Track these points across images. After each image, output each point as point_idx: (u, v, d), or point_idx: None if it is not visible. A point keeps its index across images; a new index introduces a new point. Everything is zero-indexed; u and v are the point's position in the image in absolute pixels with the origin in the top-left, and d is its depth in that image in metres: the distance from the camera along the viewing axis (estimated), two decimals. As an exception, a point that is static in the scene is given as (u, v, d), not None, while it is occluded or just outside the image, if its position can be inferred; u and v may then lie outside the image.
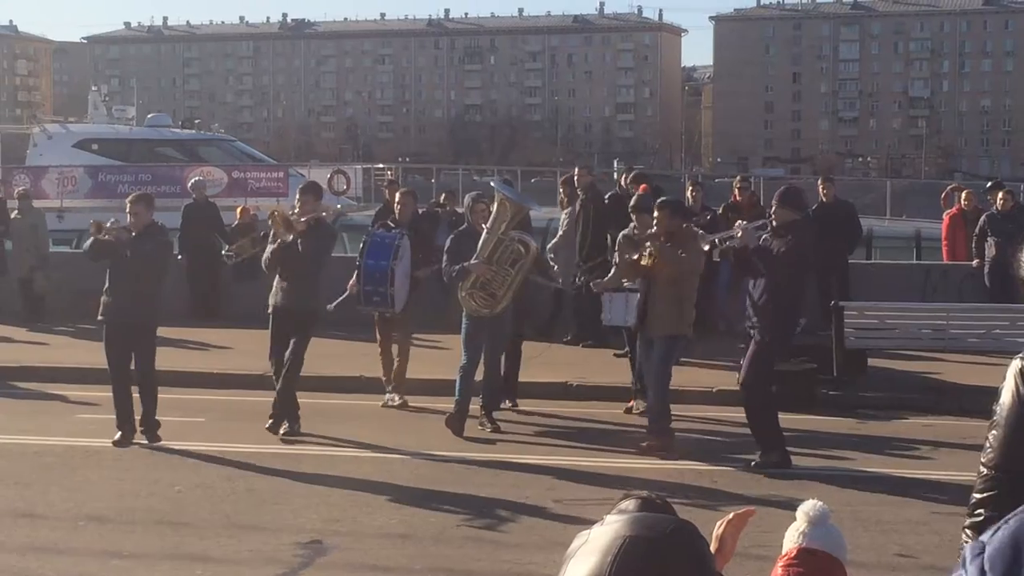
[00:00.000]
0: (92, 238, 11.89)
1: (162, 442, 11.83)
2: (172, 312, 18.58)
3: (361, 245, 13.76)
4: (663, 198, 12.54)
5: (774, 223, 10.88)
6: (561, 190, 17.85)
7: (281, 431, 12.18)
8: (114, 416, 11.88)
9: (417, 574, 8.16)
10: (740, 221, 11.23)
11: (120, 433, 11.82)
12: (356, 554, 8.55)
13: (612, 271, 12.80)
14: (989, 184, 20.51)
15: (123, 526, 9.20)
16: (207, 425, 12.97)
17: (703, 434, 12.32)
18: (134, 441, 11.83)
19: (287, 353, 12.23)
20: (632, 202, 13.09)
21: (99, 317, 12.04)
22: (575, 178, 17.29)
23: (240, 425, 12.88)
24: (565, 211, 17.32)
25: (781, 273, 10.65)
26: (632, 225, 12.67)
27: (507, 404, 13.49)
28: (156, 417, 12.01)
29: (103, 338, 12.06)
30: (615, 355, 15.75)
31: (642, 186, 15.70)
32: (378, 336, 13.93)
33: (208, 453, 11.51)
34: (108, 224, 11.96)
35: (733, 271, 11.61)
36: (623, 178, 18.68)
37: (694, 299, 11.97)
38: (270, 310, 12.44)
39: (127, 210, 11.98)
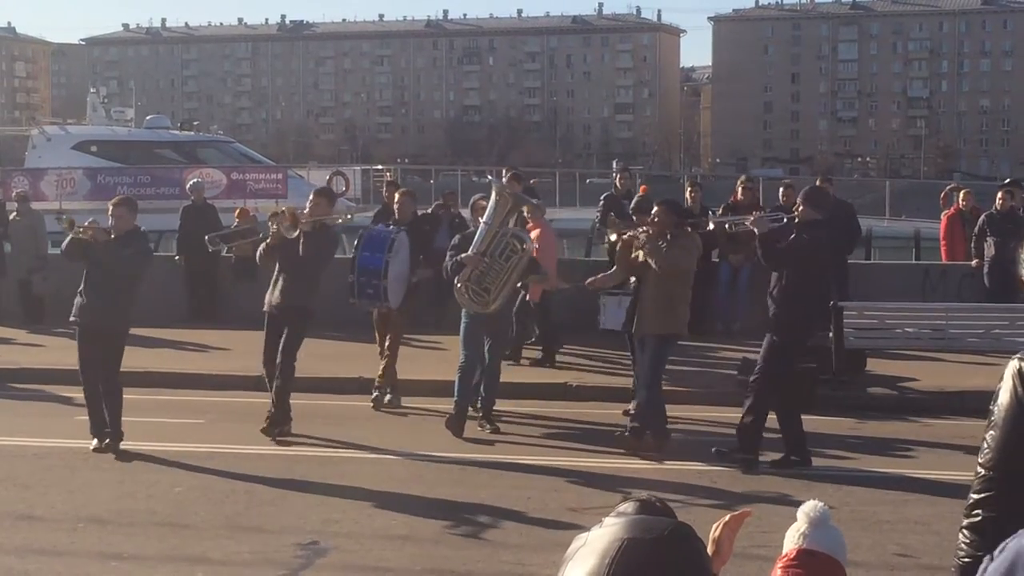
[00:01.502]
0: (70, 236, 11.61)
1: (161, 444, 11.81)
2: (170, 314, 18.67)
3: (356, 240, 13.69)
4: (664, 198, 12.51)
5: (797, 220, 10.91)
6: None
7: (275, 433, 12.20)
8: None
9: (417, 575, 8.16)
10: (756, 212, 11.22)
11: (96, 440, 11.69)
12: (356, 555, 8.55)
13: (609, 272, 12.71)
14: (1007, 181, 20.38)
15: (123, 528, 9.20)
16: (206, 427, 12.97)
17: (702, 435, 12.31)
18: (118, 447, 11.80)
19: (279, 352, 12.17)
20: (633, 204, 13.09)
21: (72, 319, 11.88)
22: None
23: (239, 426, 12.87)
24: None
25: (786, 264, 10.71)
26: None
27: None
28: (122, 427, 11.75)
29: (80, 344, 11.88)
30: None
31: (642, 187, 15.73)
32: (377, 336, 13.93)
33: (207, 455, 11.51)
34: (88, 223, 11.79)
35: (763, 262, 11.45)
36: (618, 178, 18.72)
37: (688, 298, 11.83)
38: (265, 308, 12.40)
39: (109, 213, 11.75)
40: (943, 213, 20.43)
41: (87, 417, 11.87)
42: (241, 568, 8.29)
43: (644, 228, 11.61)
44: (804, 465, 10.86)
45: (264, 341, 12.47)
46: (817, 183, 18.51)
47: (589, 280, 12.88)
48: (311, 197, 12.63)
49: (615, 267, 12.47)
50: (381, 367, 13.66)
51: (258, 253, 12.48)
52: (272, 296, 12.30)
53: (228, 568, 8.28)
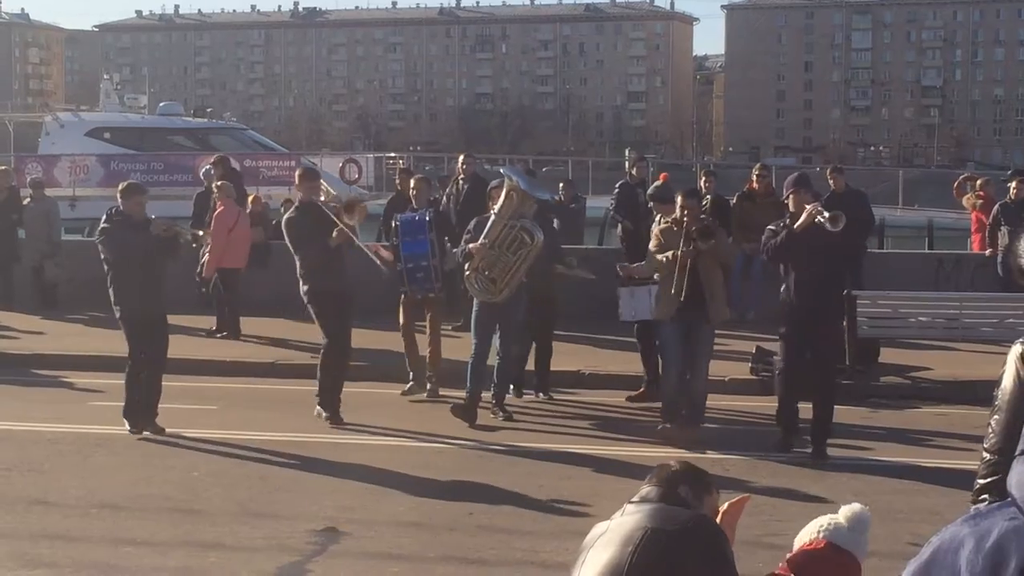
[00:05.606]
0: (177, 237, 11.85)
1: (174, 430, 11.84)
2: (184, 300, 18.65)
3: (393, 227, 13.76)
4: (690, 188, 12.55)
5: (791, 209, 10.90)
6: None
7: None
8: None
9: (430, 562, 8.17)
10: (808, 205, 10.91)
11: (134, 426, 11.82)
12: (369, 542, 8.56)
13: (646, 263, 12.39)
14: (1011, 172, 20.05)
15: (136, 513, 9.22)
16: (219, 413, 12.99)
17: (715, 423, 12.29)
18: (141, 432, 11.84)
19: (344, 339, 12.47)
20: (652, 192, 13.01)
21: (134, 315, 11.74)
22: (460, 166, 17.97)
23: (253, 413, 12.90)
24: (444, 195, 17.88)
25: (792, 258, 10.80)
26: (660, 217, 12.16)
27: (540, 396, 13.56)
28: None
29: (136, 333, 11.87)
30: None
31: (662, 175, 15.74)
32: (401, 320, 13.69)
33: (221, 440, 11.52)
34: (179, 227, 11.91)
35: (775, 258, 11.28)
36: (633, 168, 18.66)
37: None
38: (334, 290, 12.22)
39: (124, 200, 11.70)
40: (976, 205, 19.58)
41: (123, 405, 11.93)
42: (254, 554, 8.30)
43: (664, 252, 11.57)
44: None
45: (344, 325, 12.47)
46: (828, 173, 18.50)
47: (622, 266, 12.80)
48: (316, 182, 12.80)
49: (648, 262, 12.14)
50: (428, 356, 13.56)
51: (334, 244, 12.18)
52: (338, 282, 12.23)
53: (241, 554, 8.30)
